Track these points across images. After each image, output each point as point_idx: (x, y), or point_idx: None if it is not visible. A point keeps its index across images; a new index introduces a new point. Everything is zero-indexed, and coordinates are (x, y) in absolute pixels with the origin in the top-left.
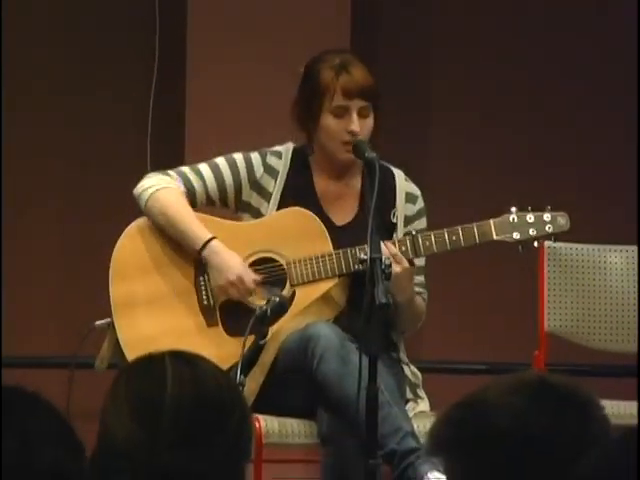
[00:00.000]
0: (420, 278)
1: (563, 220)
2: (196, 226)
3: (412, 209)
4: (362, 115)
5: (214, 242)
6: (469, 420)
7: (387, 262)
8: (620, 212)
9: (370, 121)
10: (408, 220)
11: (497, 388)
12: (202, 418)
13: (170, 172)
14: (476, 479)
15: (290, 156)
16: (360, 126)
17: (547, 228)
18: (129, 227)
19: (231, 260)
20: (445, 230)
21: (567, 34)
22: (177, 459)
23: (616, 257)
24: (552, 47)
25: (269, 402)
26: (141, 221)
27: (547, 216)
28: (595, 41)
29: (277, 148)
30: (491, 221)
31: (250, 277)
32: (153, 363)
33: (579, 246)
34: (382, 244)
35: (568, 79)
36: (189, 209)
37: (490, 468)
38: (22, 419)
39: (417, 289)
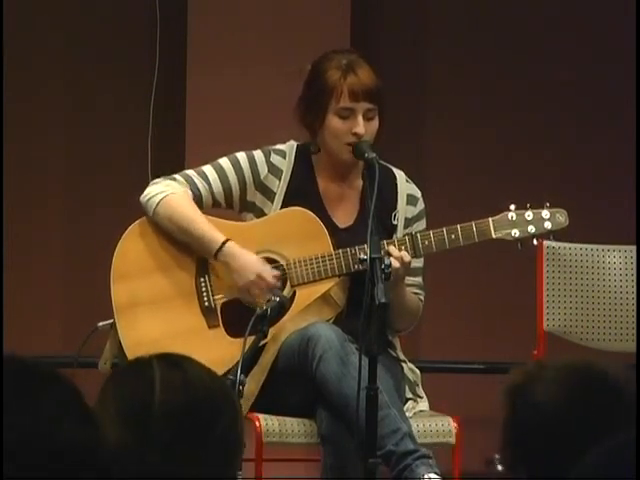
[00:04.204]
0: (418, 279)
1: (562, 217)
2: (208, 229)
3: (412, 211)
4: (367, 117)
5: (228, 244)
6: (515, 402)
7: (387, 262)
8: (619, 212)
9: (375, 123)
10: (408, 222)
11: (549, 372)
12: (191, 421)
13: (176, 176)
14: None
15: (294, 155)
16: (365, 128)
17: (546, 225)
18: (130, 228)
19: (249, 261)
20: (444, 229)
21: (567, 33)
22: (167, 463)
23: (615, 257)
24: (552, 46)
25: (269, 402)
26: (142, 222)
27: (546, 213)
28: (596, 39)
29: (280, 147)
30: (490, 219)
31: (269, 273)
32: (141, 367)
33: (578, 246)
34: (386, 247)
35: (568, 78)
36: (199, 213)
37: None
38: (38, 396)
39: (414, 290)
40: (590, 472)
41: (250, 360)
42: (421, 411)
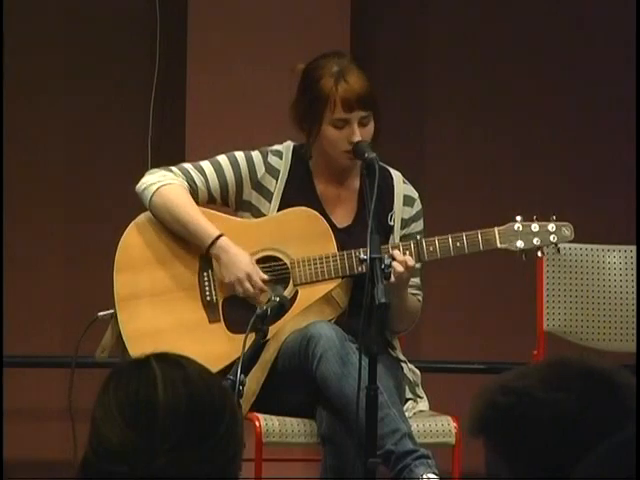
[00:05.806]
0: (416, 280)
1: (567, 231)
2: (203, 222)
3: (409, 212)
4: (362, 124)
5: (222, 239)
6: (514, 407)
7: (387, 262)
8: (619, 212)
9: (370, 128)
10: (405, 223)
11: (540, 378)
12: (195, 419)
13: (172, 168)
14: (515, 461)
15: (291, 155)
16: (361, 134)
17: (551, 238)
18: (137, 219)
19: (240, 257)
20: (449, 236)
21: (566, 34)
22: (173, 461)
23: (615, 257)
24: (551, 48)
25: (269, 401)
26: (146, 215)
27: (552, 226)
28: (594, 40)
29: (277, 147)
30: (495, 229)
31: (258, 275)
32: (140, 367)
33: (578, 246)
34: (391, 250)
35: (567, 79)
36: (195, 205)
37: (529, 453)
38: None
39: (412, 290)
40: (591, 472)
41: (250, 360)
42: (421, 411)
